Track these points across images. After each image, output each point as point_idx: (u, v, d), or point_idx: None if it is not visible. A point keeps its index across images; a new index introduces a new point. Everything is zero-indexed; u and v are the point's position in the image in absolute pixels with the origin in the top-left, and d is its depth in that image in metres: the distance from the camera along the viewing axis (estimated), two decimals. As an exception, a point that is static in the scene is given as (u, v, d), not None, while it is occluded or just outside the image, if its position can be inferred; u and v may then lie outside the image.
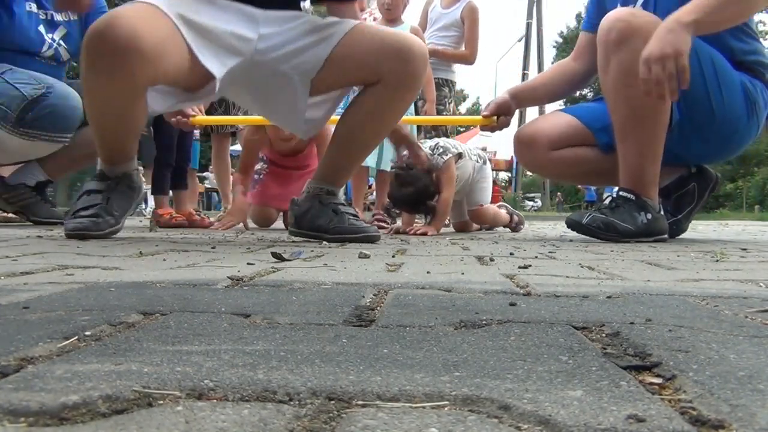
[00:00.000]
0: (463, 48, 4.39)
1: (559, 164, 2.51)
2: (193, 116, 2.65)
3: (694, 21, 1.92)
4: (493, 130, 2.69)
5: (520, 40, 17.32)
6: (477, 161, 3.34)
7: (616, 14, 2.13)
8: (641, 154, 2.17)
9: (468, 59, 4.40)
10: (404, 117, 2.79)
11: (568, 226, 2.33)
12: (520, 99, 2.62)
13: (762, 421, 0.34)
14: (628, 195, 2.20)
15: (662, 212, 2.30)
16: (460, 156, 3.16)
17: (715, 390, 0.40)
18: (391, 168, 3.15)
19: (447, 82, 4.51)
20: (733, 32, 2.22)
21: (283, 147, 3.47)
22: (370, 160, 3.94)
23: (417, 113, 4.04)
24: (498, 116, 2.56)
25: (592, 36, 2.37)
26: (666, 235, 2.26)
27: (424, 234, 2.83)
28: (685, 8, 1.96)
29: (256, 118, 3.13)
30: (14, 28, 2.73)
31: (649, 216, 2.18)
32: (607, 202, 2.34)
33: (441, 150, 3.09)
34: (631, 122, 2.14)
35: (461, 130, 13.65)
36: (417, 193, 2.86)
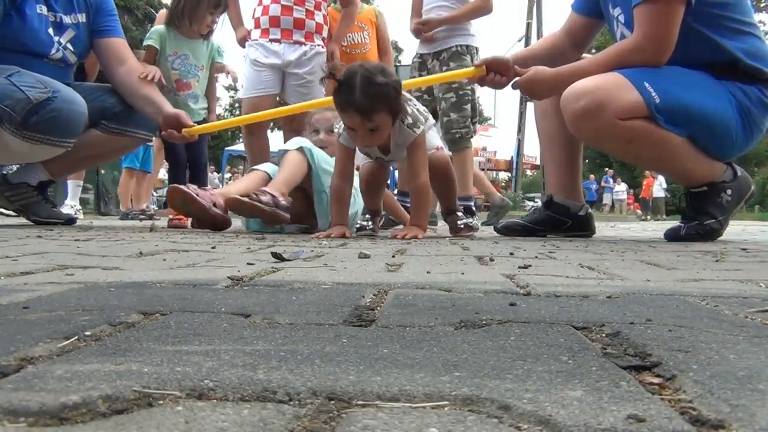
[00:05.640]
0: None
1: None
2: (188, 127, 2.80)
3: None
4: (481, 83, 2.51)
5: (520, 40, 17.30)
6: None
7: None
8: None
9: (484, 7, 3.78)
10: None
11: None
12: (522, 64, 2.52)
13: (762, 421, 0.34)
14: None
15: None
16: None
17: (715, 390, 0.40)
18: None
19: (469, 50, 3.78)
20: (725, 32, 2.24)
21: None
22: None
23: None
24: (488, 71, 2.43)
25: (582, 18, 2.63)
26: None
27: (415, 237, 2.22)
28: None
29: (253, 116, 3.12)
30: (25, 30, 2.72)
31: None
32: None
33: (410, 120, 2.23)
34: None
35: None
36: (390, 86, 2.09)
